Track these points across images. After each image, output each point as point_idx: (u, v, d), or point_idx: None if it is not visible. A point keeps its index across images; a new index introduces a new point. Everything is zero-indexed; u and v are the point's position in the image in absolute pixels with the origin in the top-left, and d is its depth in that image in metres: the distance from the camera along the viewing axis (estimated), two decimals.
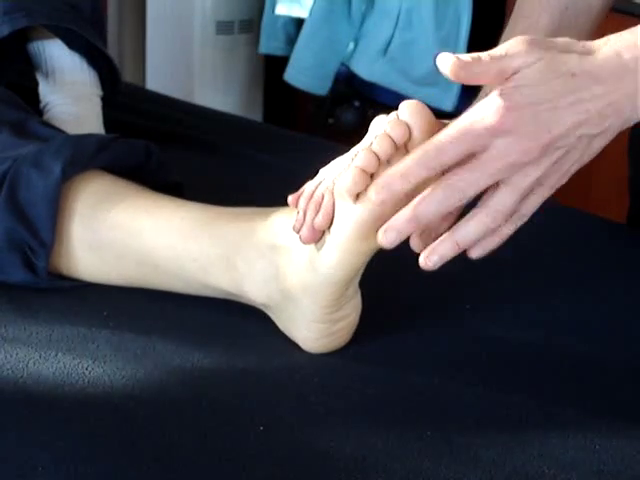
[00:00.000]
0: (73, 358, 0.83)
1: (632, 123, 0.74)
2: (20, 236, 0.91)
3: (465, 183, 0.72)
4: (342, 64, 2.26)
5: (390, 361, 0.85)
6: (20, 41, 1.20)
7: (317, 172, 0.82)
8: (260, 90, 2.52)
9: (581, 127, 0.72)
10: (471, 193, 0.73)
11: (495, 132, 0.71)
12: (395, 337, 0.88)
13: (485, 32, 1.91)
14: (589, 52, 0.72)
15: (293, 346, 0.86)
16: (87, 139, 0.96)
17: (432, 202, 0.73)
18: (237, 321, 0.89)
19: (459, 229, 0.75)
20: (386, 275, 0.93)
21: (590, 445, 0.75)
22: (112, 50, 2.45)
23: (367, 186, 0.75)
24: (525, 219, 0.77)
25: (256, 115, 2.47)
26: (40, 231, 0.90)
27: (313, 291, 0.82)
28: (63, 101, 1.17)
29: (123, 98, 1.28)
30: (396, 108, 0.77)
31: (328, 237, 0.79)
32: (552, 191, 0.75)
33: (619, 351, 0.88)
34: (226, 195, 0.95)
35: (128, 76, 2.46)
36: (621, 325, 0.93)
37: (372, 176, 0.76)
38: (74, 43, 1.19)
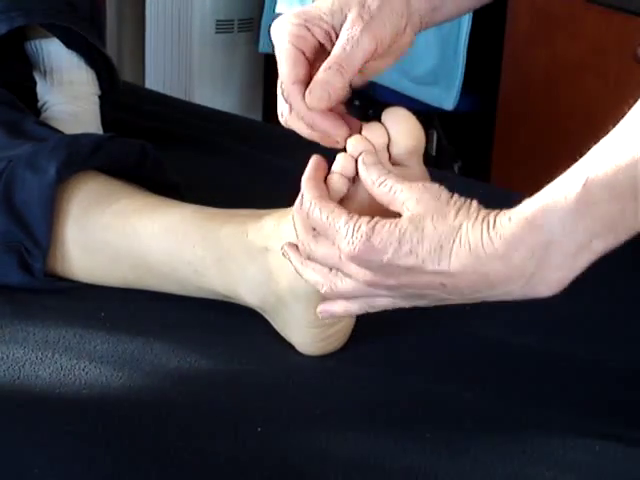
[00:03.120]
0: (70, 359, 0.82)
1: None
2: (16, 237, 0.90)
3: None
4: None
5: (389, 362, 0.85)
6: (18, 40, 1.20)
7: None
8: (260, 89, 2.51)
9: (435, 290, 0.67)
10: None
11: (348, 260, 0.67)
12: (394, 338, 0.88)
13: (485, 32, 1.91)
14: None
15: (291, 347, 0.86)
16: (82, 139, 0.96)
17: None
18: (235, 322, 0.89)
19: None
20: None
21: (590, 447, 0.75)
22: (111, 49, 2.45)
23: (348, 190, 0.74)
24: None
25: (256, 114, 2.47)
26: (36, 232, 0.90)
27: (303, 297, 0.81)
28: (61, 100, 1.17)
29: (122, 97, 1.28)
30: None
31: None
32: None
33: (619, 352, 0.88)
34: (226, 195, 0.95)
35: (127, 75, 2.46)
36: (621, 325, 0.92)
37: (354, 180, 0.75)
38: (72, 42, 1.18)
